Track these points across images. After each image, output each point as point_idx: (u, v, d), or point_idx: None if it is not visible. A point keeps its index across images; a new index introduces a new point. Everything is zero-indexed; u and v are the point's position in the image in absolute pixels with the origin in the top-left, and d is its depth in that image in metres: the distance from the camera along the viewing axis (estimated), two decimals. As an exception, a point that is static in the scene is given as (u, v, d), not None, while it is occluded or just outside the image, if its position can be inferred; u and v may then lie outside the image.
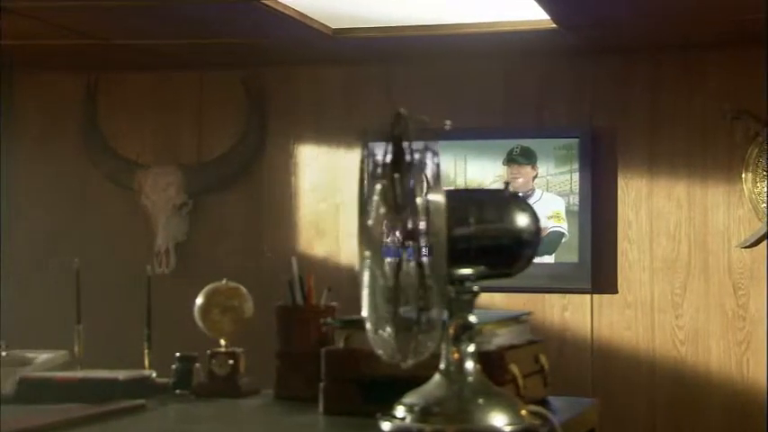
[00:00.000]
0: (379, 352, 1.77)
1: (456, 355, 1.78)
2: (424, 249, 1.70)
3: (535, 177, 4.82)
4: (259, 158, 5.10)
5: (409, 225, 1.70)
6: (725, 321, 4.60)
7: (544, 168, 4.80)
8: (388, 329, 1.76)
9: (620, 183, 4.72)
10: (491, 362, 1.86)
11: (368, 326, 1.81)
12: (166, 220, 4.99)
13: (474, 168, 4.88)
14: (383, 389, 1.96)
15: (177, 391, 2.29)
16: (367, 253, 1.83)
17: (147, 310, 2.40)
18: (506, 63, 4.83)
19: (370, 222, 1.80)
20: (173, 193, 4.99)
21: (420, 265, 1.66)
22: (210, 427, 2.05)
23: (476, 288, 1.79)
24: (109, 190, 5.21)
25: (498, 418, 1.72)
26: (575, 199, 4.73)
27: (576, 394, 2.43)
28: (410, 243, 1.72)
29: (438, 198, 1.67)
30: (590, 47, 4.61)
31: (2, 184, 5.17)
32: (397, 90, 4.97)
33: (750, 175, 4.56)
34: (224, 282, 2.35)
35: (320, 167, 5.05)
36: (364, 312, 1.82)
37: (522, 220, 1.77)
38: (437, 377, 1.78)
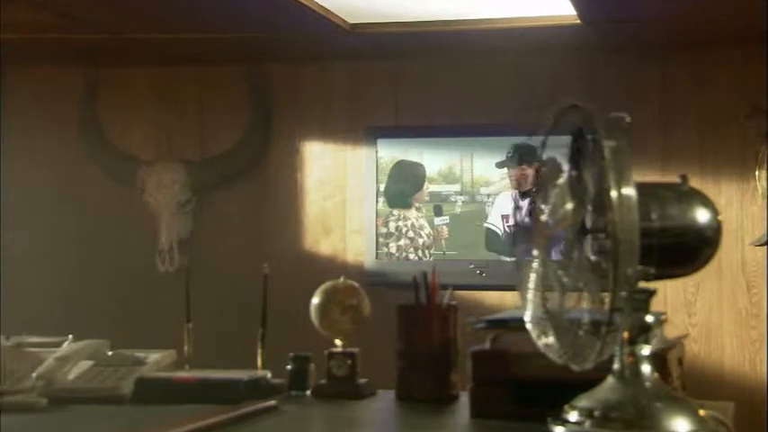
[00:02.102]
0: (551, 355, 1.70)
1: (631, 358, 1.71)
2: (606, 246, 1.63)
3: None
4: (264, 155, 5.00)
5: (598, 221, 1.63)
6: (738, 319, 4.58)
7: (552, 165, 4.75)
8: (563, 332, 1.69)
9: (633, 180, 4.68)
10: (655, 363, 1.79)
11: (532, 328, 1.74)
12: (170, 217, 4.87)
13: (480, 165, 4.83)
14: (534, 391, 1.89)
15: (292, 393, 2.20)
16: (535, 252, 1.76)
17: (262, 310, 2.30)
18: (518, 59, 4.78)
19: (543, 218, 1.73)
20: (177, 191, 4.87)
21: (613, 263, 1.58)
22: (366, 430, 1.99)
23: (652, 287, 1.72)
24: (110, 187, 5.08)
25: (681, 423, 1.65)
26: (585, 195, 4.70)
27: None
28: (596, 239, 1.65)
29: (629, 192, 1.59)
30: (604, 43, 4.57)
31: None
32: (406, 86, 4.90)
33: (764, 172, 4.55)
34: (341, 279, 2.27)
35: (326, 164, 4.96)
36: (529, 315, 1.75)
37: (703, 216, 1.71)
38: (610, 380, 1.71)
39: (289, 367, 2.23)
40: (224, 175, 4.96)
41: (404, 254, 4.82)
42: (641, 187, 1.64)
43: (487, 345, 1.95)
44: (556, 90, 4.75)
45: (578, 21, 4.15)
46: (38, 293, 5.04)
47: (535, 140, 1.84)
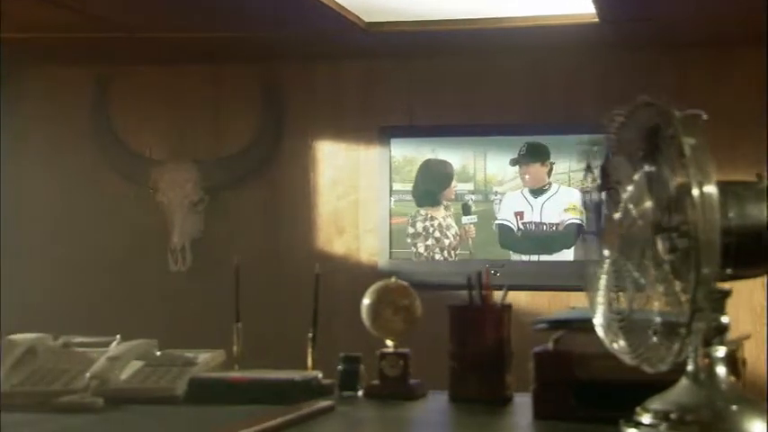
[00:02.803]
0: (624, 357, 1.67)
1: (706, 360, 1.68)
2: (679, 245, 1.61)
3: (550, 172, 4.76)
4: (277, 154, 4.98)
5: (672, 219, 1.60)
6: (754, 318, 4.57)
7: (566, 164, 4.75)
8: (637, 333, 1.66)
9: (648, 179, 4.66)
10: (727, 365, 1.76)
11: (604, 330, 1.71)
12: (183, 217, 4.84)
13: (493, 165, 4.81)
14: (598, 393, 1.87)
15: (344, 393, 2.18)
16: (606, 252, 1.74)
17: (313, 311, 2.28)
18: (534, 58, 4.76)
19: (617, 216, 1.71)
20: (189, 190, 4.85)
21: (695, 262, 1.55)
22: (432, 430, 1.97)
23: (727, 287, 1.70)
24: (122, 187, 5.05)
25: (759, 427, 1.62)
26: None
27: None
28: (669, 239, 1.62)
29: (711, 191, 1.57)
30: (621, 42, 4.56)
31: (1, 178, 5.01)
32: (420, 85, 4.88)
33: (770, 172, 4.53)
34: (393, 279, 2.25)
35: (339, 163, 4.94)
36: (600, 317, 1.72)
37: (780, 215, 1.68)
38: (684, 382, 1.68)
39: (339, 368, 2.20)
40: (236, 175, 4.94)
41: (431, 254, 4.80)
42: (719, 185, 1.62)
43: (551, 345, 1.93)
44: (571, 89, 4.74)
45: (596, 19, 4.13)
46: (43, 293, 5.01)
47: (601, 138, 1.81)
